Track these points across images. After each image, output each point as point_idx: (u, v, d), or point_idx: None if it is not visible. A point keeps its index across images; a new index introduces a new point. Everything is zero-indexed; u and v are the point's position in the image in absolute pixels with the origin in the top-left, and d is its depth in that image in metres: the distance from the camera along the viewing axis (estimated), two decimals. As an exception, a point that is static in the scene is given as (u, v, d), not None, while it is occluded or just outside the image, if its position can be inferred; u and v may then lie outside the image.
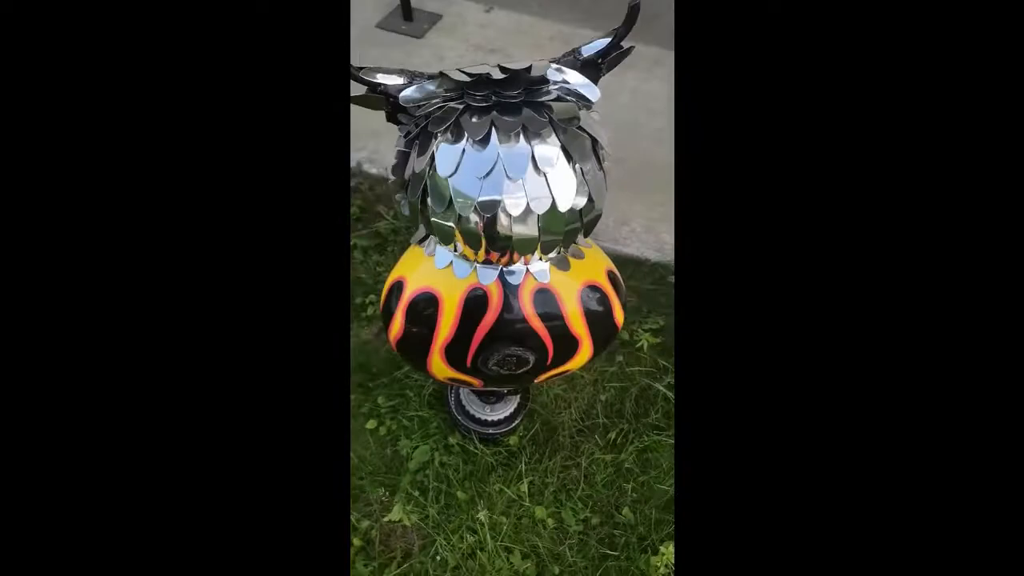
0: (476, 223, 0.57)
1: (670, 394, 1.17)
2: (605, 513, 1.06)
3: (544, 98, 0.56)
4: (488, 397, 1.11)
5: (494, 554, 1.00)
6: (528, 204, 0.56)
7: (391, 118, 0.61)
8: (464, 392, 1.12)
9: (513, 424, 1.12)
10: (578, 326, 0.70)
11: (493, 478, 1.08)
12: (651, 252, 1.38)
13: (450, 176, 0.55)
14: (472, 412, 1.11)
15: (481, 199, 0.56)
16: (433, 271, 0.65)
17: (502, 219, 0.57)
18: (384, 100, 0.59)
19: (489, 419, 1.10)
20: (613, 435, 1.13)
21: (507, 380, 0.78)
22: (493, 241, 0.59)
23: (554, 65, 0.59)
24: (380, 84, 0.59)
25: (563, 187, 0.57)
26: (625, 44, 0.60)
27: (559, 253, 0.66)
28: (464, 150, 0.55)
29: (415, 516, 1.04)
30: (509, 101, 0.56)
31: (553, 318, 0.68)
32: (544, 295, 0.67)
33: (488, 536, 1.01)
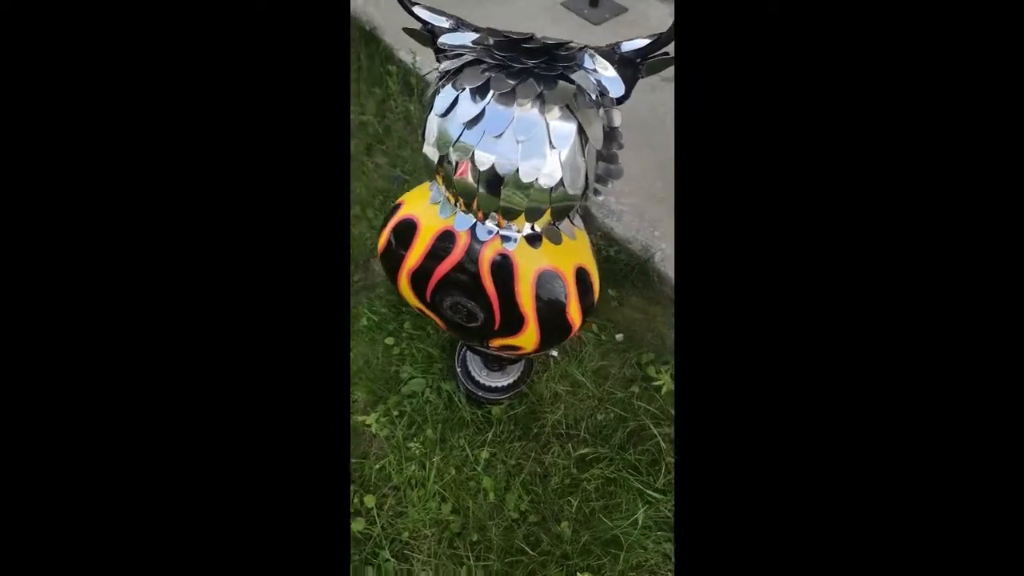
0: (453, 167, 0.62)
1: (664, 444, 1.12)
2: (544, 516, 1.06)
3: (561, 74, 0.58)
4: (492, 364, 1.16)
5: (429, 495, 1.07)
6: (494, 164, 0.59)
7: (436, 57, 0.67)
8: (470, 352, 1.18)
9: (501, 397, 1.16)
10: (527, 304, 0.71)
11: (462, 434, 1.14)
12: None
13: (440, 115, 0.61)
14: (471, 371, 1.17)
15: (457, 143, 0.60)
16: (425, 203, 0.72)
17: (469, 170, 0.61)
18: (430, 38, 0.66)
19: (484, 383, 1.16)
20: (587, 452, 1.12)
21: (461, 330, 0.82)
22: (449, 183, 0.64)
23: (590, 51, 0.61)
24: (428, 23, 0.66)
25: (530, 159, 0.58)
26: (670, 51, 0.59)
27: (551, 225, 0.68)
28: (458, 96, 0.60)
29: (384, 431, 1.14)
30: (521, 66, 0.58)
31: (503, 286, 0.70)
32: (502, 262, 0.69)
33: (432, 477, 1.09)
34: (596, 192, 0.65)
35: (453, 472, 1.10)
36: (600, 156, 0.62)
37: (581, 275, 0.73)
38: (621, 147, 0.64)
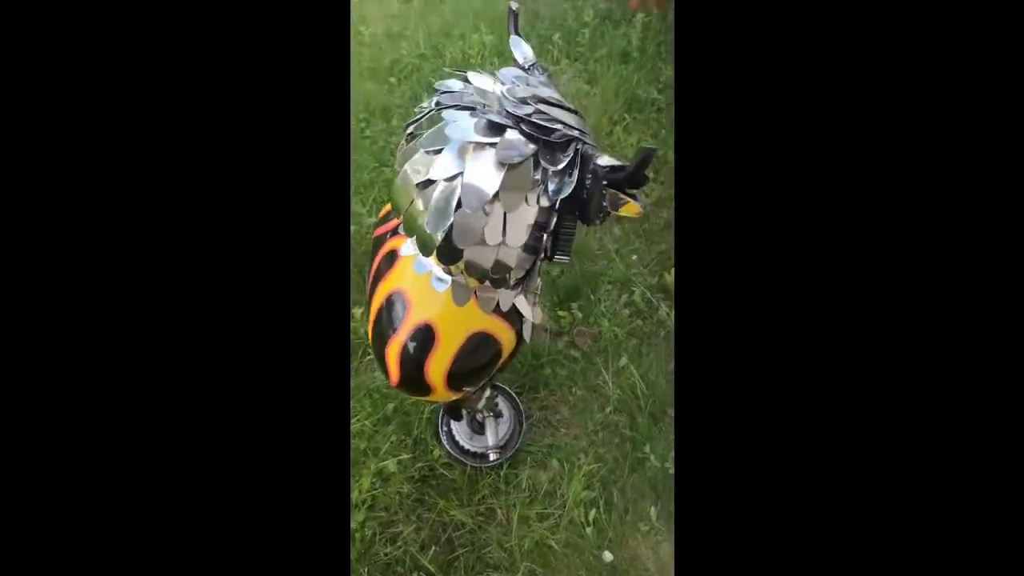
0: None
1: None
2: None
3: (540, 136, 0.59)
4: (473, 424, 1.25)
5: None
6: (425, 179, 0.59)
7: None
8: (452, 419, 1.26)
9: (488, 464, 1.24)
10: (395, 345, 0.72)
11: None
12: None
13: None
14: (456, 437, 1.26)
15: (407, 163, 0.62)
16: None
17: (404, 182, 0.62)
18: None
19: (468, 448, 1.25)
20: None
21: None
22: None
23: (600, 157, 0.61)
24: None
25: (436, 204, 0.58)
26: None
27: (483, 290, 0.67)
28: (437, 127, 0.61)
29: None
30: (501, 119, 0.60)
31: (392, 318, 0.72)
32: (398, 296, 0.71)
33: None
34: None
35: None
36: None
37: (474, 340, 0.71)
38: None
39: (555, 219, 0.63)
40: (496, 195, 0.57)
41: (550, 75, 0.72)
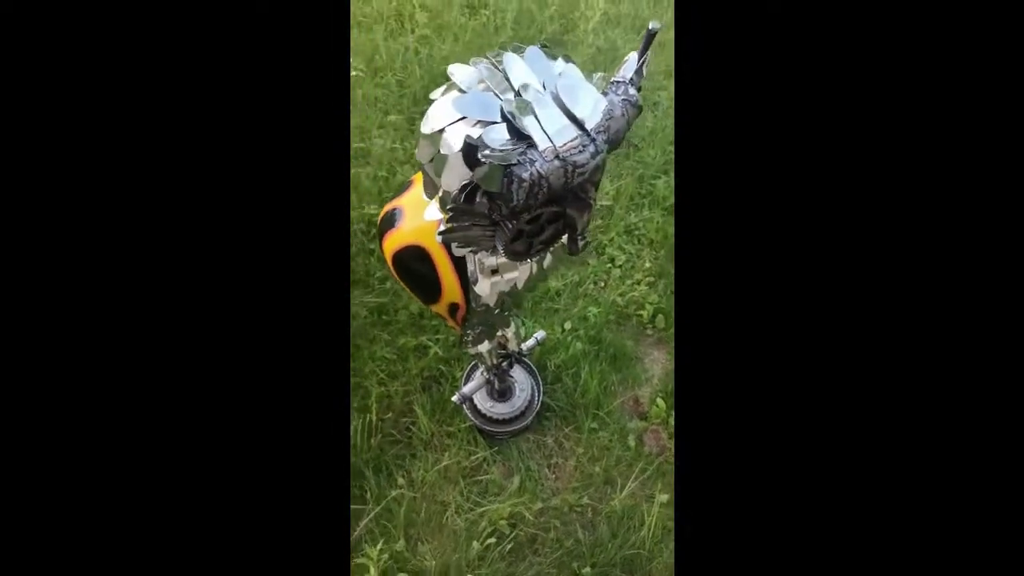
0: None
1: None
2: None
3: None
4: (494, 394, 1.27)
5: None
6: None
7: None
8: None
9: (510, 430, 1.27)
10: (383, 212, 0.82)
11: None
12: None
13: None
14: (477, 405, 1.28)
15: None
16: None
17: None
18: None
19: (490, 415, 1.27)
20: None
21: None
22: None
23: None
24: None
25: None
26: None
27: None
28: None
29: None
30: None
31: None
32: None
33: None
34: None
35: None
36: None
37: (417, 249, 0.78)
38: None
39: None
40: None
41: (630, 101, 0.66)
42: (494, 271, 0.78)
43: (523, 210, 0.60)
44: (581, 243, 0.69)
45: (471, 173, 0.57)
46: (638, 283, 1.54)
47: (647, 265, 1.57)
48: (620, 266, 1.58)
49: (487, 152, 0.55)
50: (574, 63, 0.65)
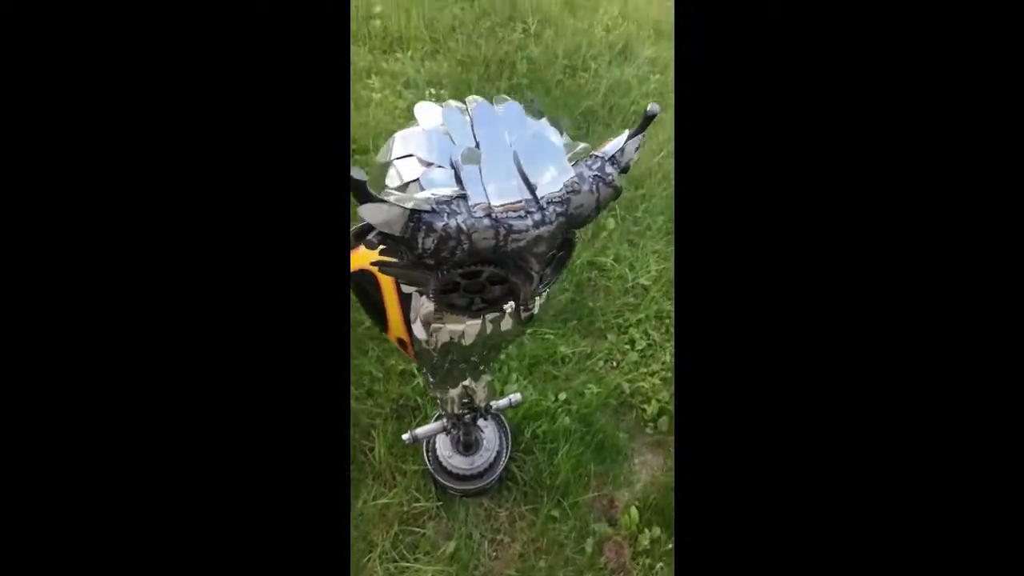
0: None
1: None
2: None
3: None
4: (459, 446, 1.19)
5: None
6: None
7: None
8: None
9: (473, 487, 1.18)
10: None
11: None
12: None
13: None
14: (440, 457, 1.21)
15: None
16: None
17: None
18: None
19: (453, 470, 1.19)
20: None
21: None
22: None
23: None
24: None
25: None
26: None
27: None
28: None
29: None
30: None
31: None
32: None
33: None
34: None
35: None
36: None
37: (366, 274, 0.72)
38: None
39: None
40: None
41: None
42: (435, 319, 0.72)
43: (441, 262, 0.54)
44: (524, 314, 0.62)
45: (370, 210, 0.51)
46: (652, 374, 1.40)
47: (666, 359, 1.43)
48: (640, 351, 1.45)
49: (391, 194, 0.51)
50: (562, 128, 0.60)
